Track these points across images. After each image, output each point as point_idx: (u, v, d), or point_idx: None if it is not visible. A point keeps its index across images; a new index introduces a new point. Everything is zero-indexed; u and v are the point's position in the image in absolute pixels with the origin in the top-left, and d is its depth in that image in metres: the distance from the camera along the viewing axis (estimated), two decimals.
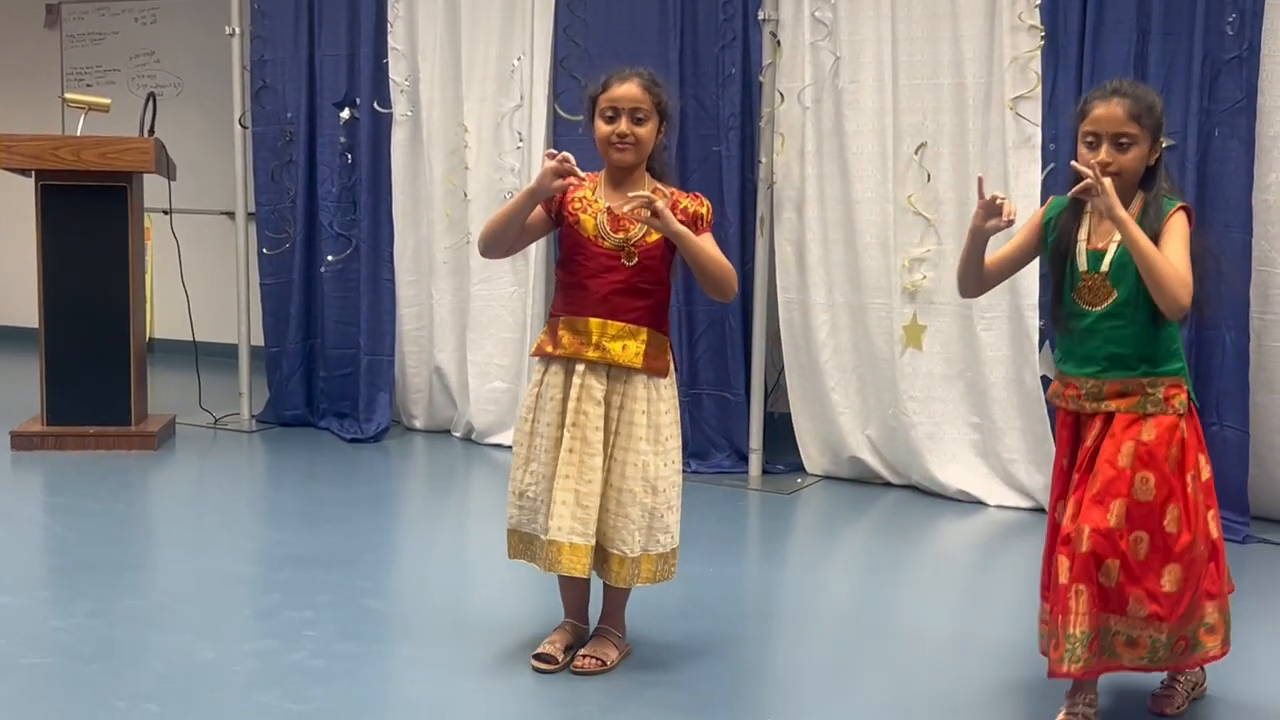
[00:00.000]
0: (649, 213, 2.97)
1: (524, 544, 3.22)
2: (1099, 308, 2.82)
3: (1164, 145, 2.86)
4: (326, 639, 3.38)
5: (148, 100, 5.93)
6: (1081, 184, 2.71)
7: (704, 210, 3.20)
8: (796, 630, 3.66)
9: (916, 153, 4.93)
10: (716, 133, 5.38)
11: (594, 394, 3.09)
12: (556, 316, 3.18)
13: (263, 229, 6.32)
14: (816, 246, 5.25)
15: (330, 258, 6.21)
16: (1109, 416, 2.80)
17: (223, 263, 6.84)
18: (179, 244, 6.42)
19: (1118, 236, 2.75)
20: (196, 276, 6.54)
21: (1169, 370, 2.82)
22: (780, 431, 5.58)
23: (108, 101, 5.89)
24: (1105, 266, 2.81)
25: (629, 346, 3.10)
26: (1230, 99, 4.52)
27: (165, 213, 6.16)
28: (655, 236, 3.10)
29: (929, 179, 4.96)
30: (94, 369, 5.66)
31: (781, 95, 5.22)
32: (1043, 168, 4.78)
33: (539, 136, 5.68)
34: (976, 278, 3.02)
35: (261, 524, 4.71)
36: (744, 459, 5.42)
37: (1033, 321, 4.80)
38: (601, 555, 3.16)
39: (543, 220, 3.19)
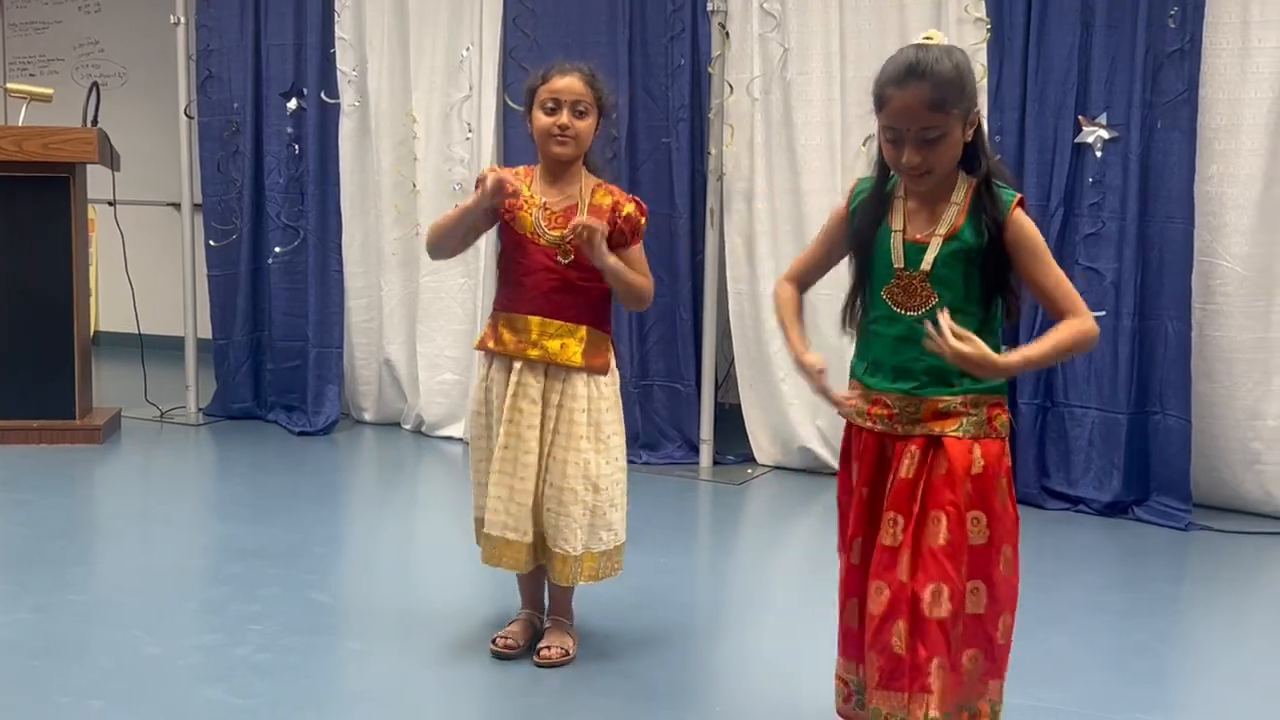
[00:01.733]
0: (586, 237, 2.95)
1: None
2: (916, 312, 2.34)
3: (980, 116, 2.35)
4: (273, 633, 3.36)
5: (91, 90, 5.86)
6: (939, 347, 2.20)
7: (641, 216, 3.16)
8: (746, 621, 3.68)
9: (865, 144, 4.95)
10: (666, 124, 5.38)
11: (530, 392, 3.08)
12: (498, 312, 3.17)
13: (209, 220, 6.28)
14: (766, 238, 5.27)
15: (278, 249, 6.17)
16: (928, 440, 2.35)
17: (168, 255, 6.79)
18: (123, 236, 6.33)
19: (943, 230, 2.33)
20: (142, 268, 6.49)
21: (991, 387, 2.37)
22: (731, 422, 5.61)
23: (50, 91, 5.82)
24: (927, 265, 2.33)
25: (568, 345, 3.08)
26: (1173, 91, 4.58)
27: (110, 204, 6.10)
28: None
29: None
30: (37, 362, 5.60)
31: (730, 87, 5.24)
32: None
33: (489, 127, 5.67)
34: (799, 304, 2.62)
35: (208, 517, 4.67)
36: (695, 450, 5.44)
37: None
38: (546, 553, 3.17)
39: (485, 217, 3.17)
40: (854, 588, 2.44)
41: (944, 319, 2.20)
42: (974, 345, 2.19)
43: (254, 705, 2.90)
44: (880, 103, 2.28)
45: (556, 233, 3.07)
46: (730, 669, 3.29)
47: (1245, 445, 4.72)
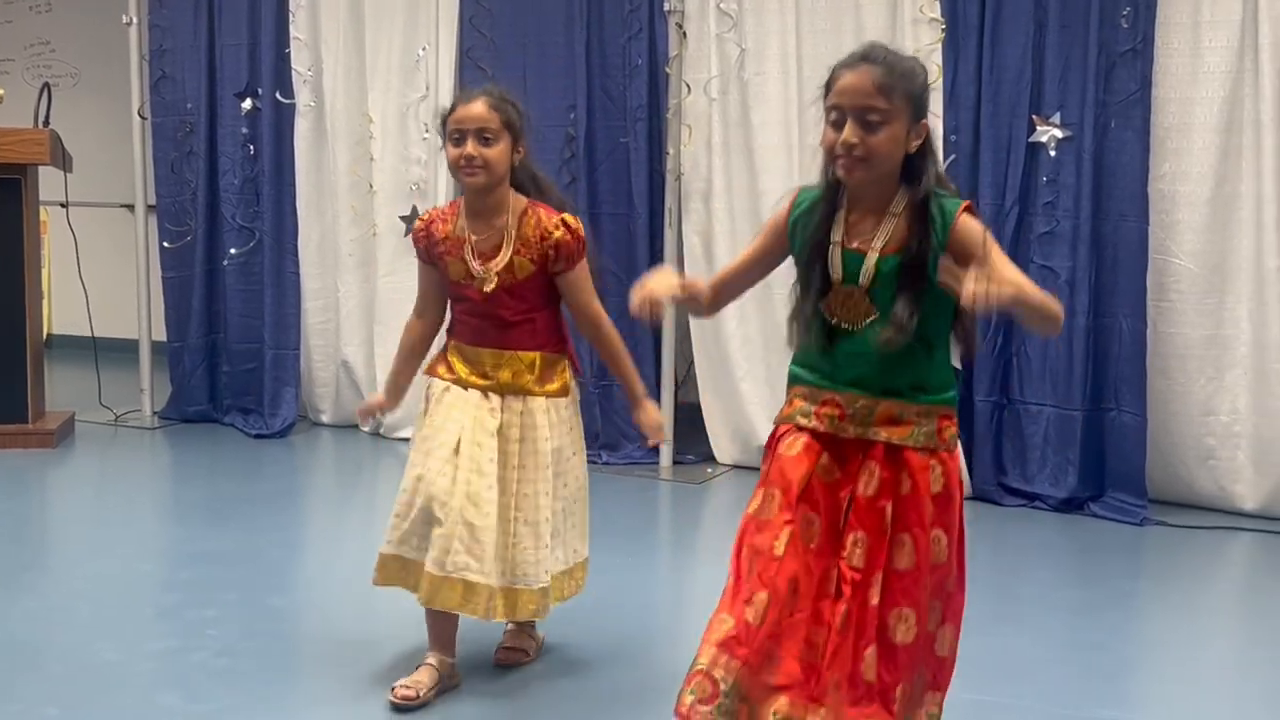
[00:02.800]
0: None
1: None
2: (855, 326, 2.24)
3: (928, 127, 2.22)
4: (230, 638, 3.33)
5: (42, 91, 5.80)
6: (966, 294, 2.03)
7: (572, 240, 3.00)
8: (705, 612, 3.68)
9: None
10: (624, 124, 5.38)
11: (488, 425, 2.98)
12: (449, 340, 3.10)
13: (163, 222, 6.22)
14: (724, 237, 5.28)
15: (233, 250, 6.12)
16: (887, 453, 2.24)
17: (122, 256, 6.71)
18: (76, 238, 6.27)
19: (880, 243, 2.21)
20: (95, 271, 6.42)
21: (944, 399, 2.28)
22: (691, 422, 5.61)
23: (1, 92, 5.75)
24: (865, 279, 2.21)
25: (521, 375, 3.01)
26: (1125, 90, 4.62)
27: (62, 205, 6.03)
28: (523, 274, 2.97)
29: None
30: None
31: (688, 87, 5.24)
32: (944, 158, 4.85)
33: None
34: (708, 305, 2.47)
35: (164, 522, 4.63)
36: (655, 449, 5.44)
37: None
38: (504, 594, 2.99)
39: (432, 272, 3.10)
40: (769, 580, 2.22)
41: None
42: (994, 287, 2.02)
43: (210, 711, 2.88)
44: (829, 85, 2.19)
45: (482, 268, 2.97)
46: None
47: (1199, 441, 4.77)
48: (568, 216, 3.03)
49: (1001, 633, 3.48)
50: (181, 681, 3.04)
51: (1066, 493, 4.80)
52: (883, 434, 2.24)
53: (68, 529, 4.56)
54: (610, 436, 5.51)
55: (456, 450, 2.96)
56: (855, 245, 2.23)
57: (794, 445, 2.29)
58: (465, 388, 3.03)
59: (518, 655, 3.20)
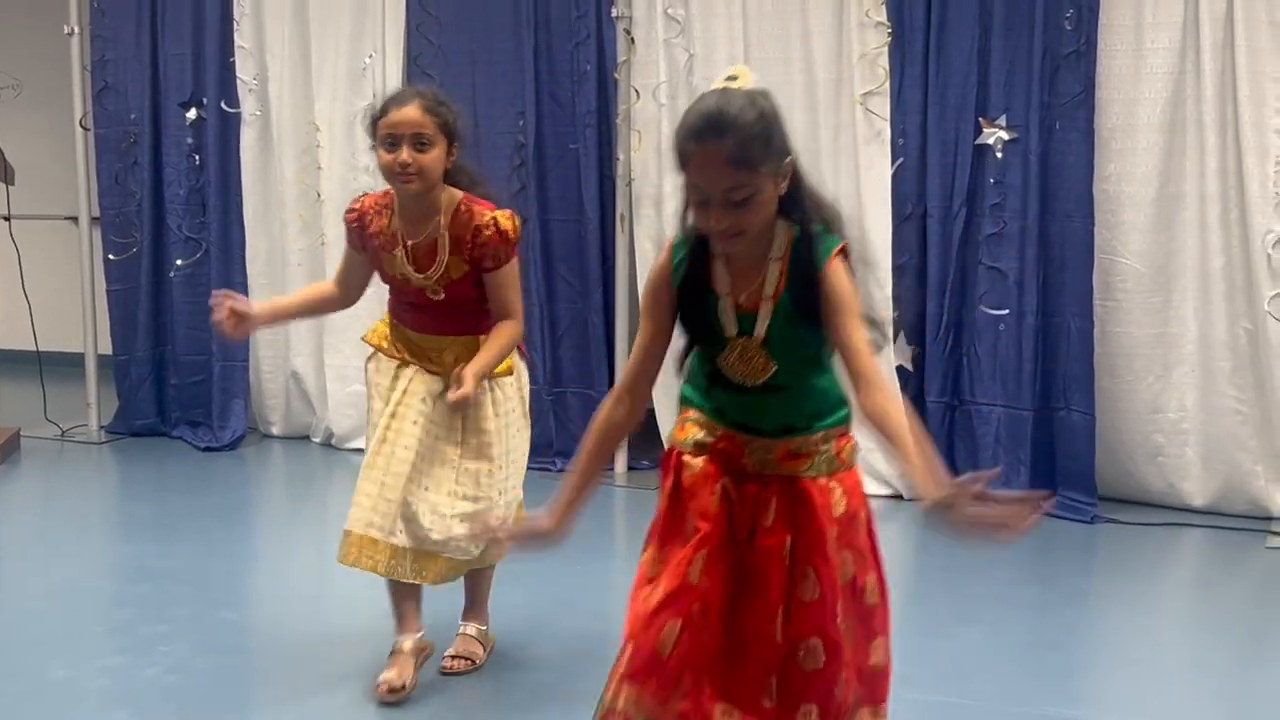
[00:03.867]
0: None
1: None
2: (756, 381, 2.11)
3: (792, 165, 2.06)
4: (181, 654, 3.30)
5: None
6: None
7: (498, 239, 2.96)
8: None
9: None
10: (573, 130, 5.38)
11: (416, 389, 3.01)
12: (392, 319, 3.10)
13: (108, 233, 6.16)
14: None
15: (179, 262, 6.07)
16: (781, 485, 2.15)
17: (66, 269, 6.62)
18: (19, 251, 6.20)
19: (770, 290, 2.07)
20: (39, 284, 6.33)
21: (840, 418, 2.18)
22: (644, 428, 5.60)
23: None
24: (760, 332, 2.08)
25: (461, 357, 2.99)
26: (1070, 92, 4.67)
27: (4, 219, 5.97)
28: (459, 273, 2.95)
29: None
30: None
31: (637, 92, 5.25)
32: (892, 161, 4.88)
33: None
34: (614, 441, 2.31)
35: (113, 537, 4.58)
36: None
37: (887, 314, 4.90)
38: (433, 560, 3.07)
39: (362, 260, 3.06)
40: (681, 608, 2.13)
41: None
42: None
43: None
44: (682, 160, 2.00)
45: (422, 275, 2.95)
46: None
47: (1147, 438, 4.82)
48: (500, 215, 2.98)
49: (958, 632, 3.50)
50: (133, 699, 3.01)
51: (1018, 491, 4.83)
52: (785, 469, 2.15)
53: (14, 547, 4.49)
54: (565, 443, 5.49)
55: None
56: (743, 300, 2.10)
57: (694, 467, 2.20)
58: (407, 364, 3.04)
59: (464, 664, 3.19)
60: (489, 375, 2.99)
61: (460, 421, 3.02)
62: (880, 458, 5.01)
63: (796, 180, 2.07)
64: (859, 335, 2.05)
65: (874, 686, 2.27)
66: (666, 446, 2.26)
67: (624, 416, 2.22)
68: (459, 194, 2.99)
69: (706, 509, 2.16)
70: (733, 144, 1.94)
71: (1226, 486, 4.74)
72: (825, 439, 2.16)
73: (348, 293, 3.14)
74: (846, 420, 2.19)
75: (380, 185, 3.11)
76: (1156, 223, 4.69)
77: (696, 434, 2.21)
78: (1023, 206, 4.76)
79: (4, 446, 5.60)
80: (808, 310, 2.07)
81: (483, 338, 3.03)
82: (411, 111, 2.87)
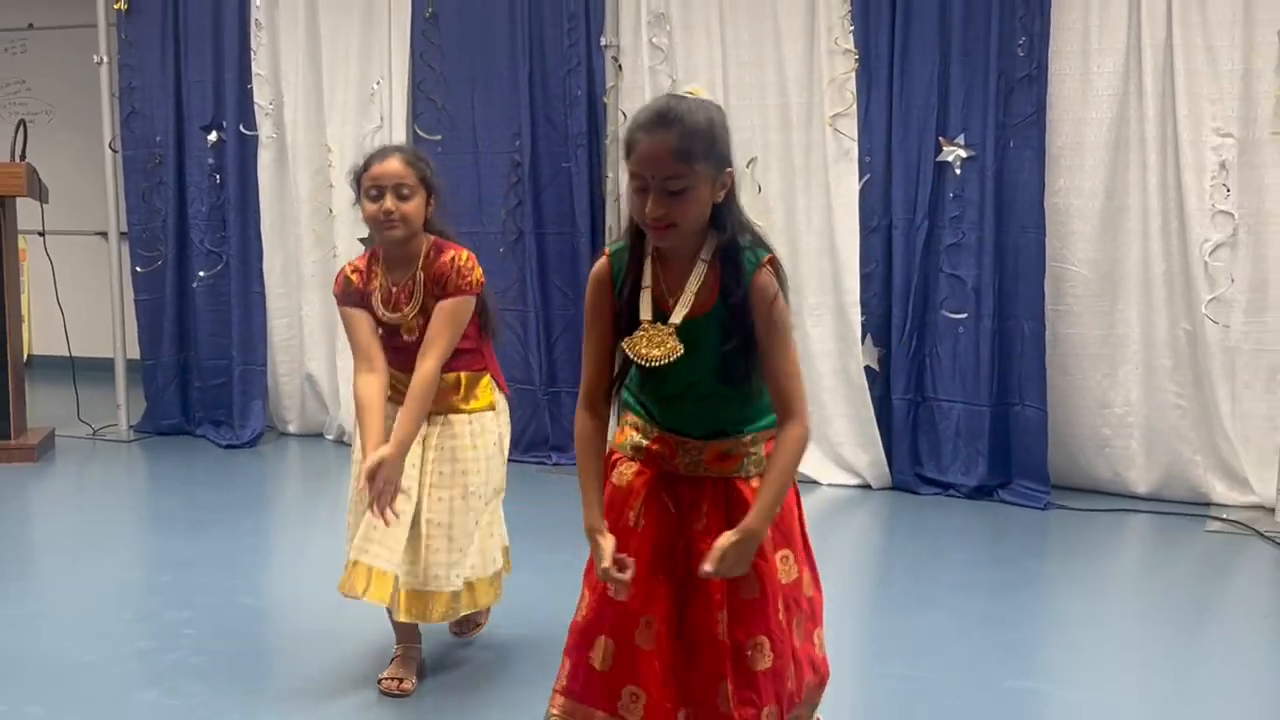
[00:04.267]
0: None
1: None
2: (659, 362, 2.04)
3: (732, 175, 2.05)
4: (205, 637, 3.27)
5: (18, 127, 5.68)
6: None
7: (453, 273, 2.87)
8: None
9: (748, 166, 4.97)
10: (566, 150, 5.36)
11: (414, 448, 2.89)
12: (391, 372, 2.96)
13: (135, 247, 6.13)
14: None
15: (202, 273, 6.04)
16: (713, 489, 2.13)
17: (97, 281, 6.59)
18: (53, 264, 6.16)
19: (694, 286, 2.04)
20: (72, 294, 6.30)
21: (767, 424, 2.13)
22: None
23: None
24: (676, 319, 2.04)
25: (447, 395, 2.93)
26: (1023, 113, 4.67)
27: (39, 234, 5.92)
28: (432, 309, 2.87)
29: (759, 190, 5.00)
30: None
31: (624, 115, 5.22)
32: (860, 178, 4.87)
33: None
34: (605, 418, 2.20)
35: (141, 530, 4.55)
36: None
37: (855, 316, 4.90)
38: (415, 595, 2.91)
39: (364, 315, 2.95)
40: (609, 625, 2.12)
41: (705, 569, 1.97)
42: (728, 555, 1.96)
43: (189, 705, 2.83)
44: (629, 149, 2.00)
45: (397, 315, 2.90)
46: None
47: (1096, 431, 4.82)
48: (462, 254, 2.91)
49: (921, 612, 3.49)
50: (160, 679, 2.99)
51: (977, 481, 4.83)
52: (714, 470, 2.13)
53: (49, 539, 4.46)
54: (560, 439, 5.48)
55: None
56: (663, 289, 2.07)
57: (625, 474, 2.18)
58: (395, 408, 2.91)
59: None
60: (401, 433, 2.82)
61: (433, 455, 2.93)
62: (849, 449, 5.02)
63: (731, 196, 2.05)
64: (787, 360, 2.05)
65: (821, 673, 2.25)
66: (607, 449, 2.21)
67: (595, 427, 2.17)
68: (432, 237, 2.95)
69: (630, 519, 2.15)
70: (676, 136, 1.95)
71: (1168, 475, 4.74)
72: (754, 441, 2.14)
73: (375, 360, 2.94)
74: (774, 425, 2.11)
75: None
76: (1103, 233, 4.70)
77: (634, 437, 2.19)
78: (980, 219, 4.75)
79: (40, 445, 5.56)
80: (738, 317, 2.03)
81: (463, 375, 2.96)
82: (394, 164, 2.85)
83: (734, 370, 2.06)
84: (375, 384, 2.89)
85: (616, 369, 2.16)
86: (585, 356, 2.18)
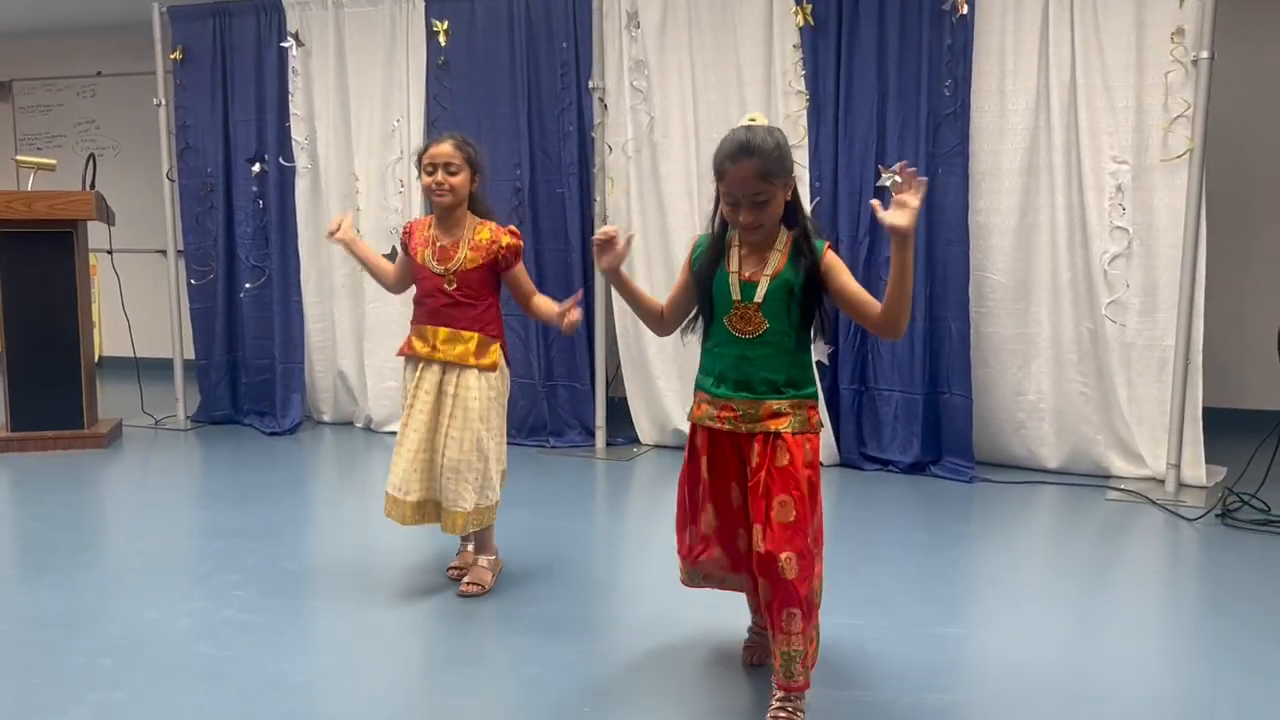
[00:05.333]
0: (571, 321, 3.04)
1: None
2: (750, 336, 2.35)
3: (795, 181, 2.35)
4: (252, 597, 3.27)
5: (89, 160, 5.66)
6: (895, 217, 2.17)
7: (516, 245, 3.20)
8: (636, 567, 3.67)
9: (716, 189, 4.96)
10: (559, 177, 5.36)
11: (425, 385, 3.15)
12: (412, 325, 3.22)
13: (190, 263, 6.10)
14: (641, 266, 5.27)
15: (248, 285, 6.01)
16: (766, 437, 2.35)
17: (158, 292, 6.57)
18: (120, 278, 6.15)
19: (769, 270, 2.33)
20: (136, 304, 6.28)
21: (810, 393, 2.39)
22: (619, 412, 5.60)
23: (54, 162, 5.59)
24: (759, 298, 2.33)
25: (458, 348, 3.13)
26: (949, 144, 4.68)
27: (108, 252, 5.92)
28: (472, 264, 3.13)
29: None
30: (51, 383, 5.39)
31: (610, 147, 5.23)
32: (811, 200, 4.88)
33: (416, 183, 5.55)
34: (652, 318, 2.58)
35: (196, 506, 4.53)
36: (591, 435, 5.42)
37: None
38: (437, 511, 3.21)
39: (406, 260, 3.26)
40: (706, 500, 2.51)
41: (892, 175, 2.28)
42: (911, 215, 2.17)
43: (237, 656, 2.83)
44: (720, 174, 2.28)
45: (442, 265, 3.14)
46: (625, 605, 3.28)
47: (1012, 415, 4.84)
48: (512, 229, 3.22)
49: (865, 570, 3.50)
50: (212, 635, 2.98)
51: (912, 458, 4.85)
52: (770, 426, 2.35)
53: (117, 514, 4.44)
54: (556, 425, 5.48)
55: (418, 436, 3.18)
56: (748, 275, 2.35)
57: (699, 438, 2.50)
58: (420, 362, 3.17)
59: (476, 588, 3.26)
60: (553, 315, 3.12)
61: (453, 404, 3.13)
62: (826, 433, 5.01)
63: (795, 195, 2.35)
64: (855, 284, 2.36)
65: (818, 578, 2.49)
66: (689, 422, 2.51)
67: (658, 319, 2.57)
68: (479, 219, 3.21)
69: (705, 474, 2.48)
70: (759, 162, 2.23)
71: (1074, 452, 4.76)
72: (798, 405, 2.36)
73: (396, 283, 3.35)
74: (814, 397, 2.40)
75: (408, 219, 3.15)
76: (1017, 245, 4.71)
77: (707, 410, 2.43)
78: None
79: (110, 433, 5.54)
80: (804, 288, 2.33)
81: (478, 336, 3.16)
82: (445, 147, 3.13)
83: (789, 325, 2.35)
84: (389, 267, 3.34)
85: (696, 328, 2.50)
86: (673, 293, 2.54)
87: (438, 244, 3.16)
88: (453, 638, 2.97)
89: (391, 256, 3.57)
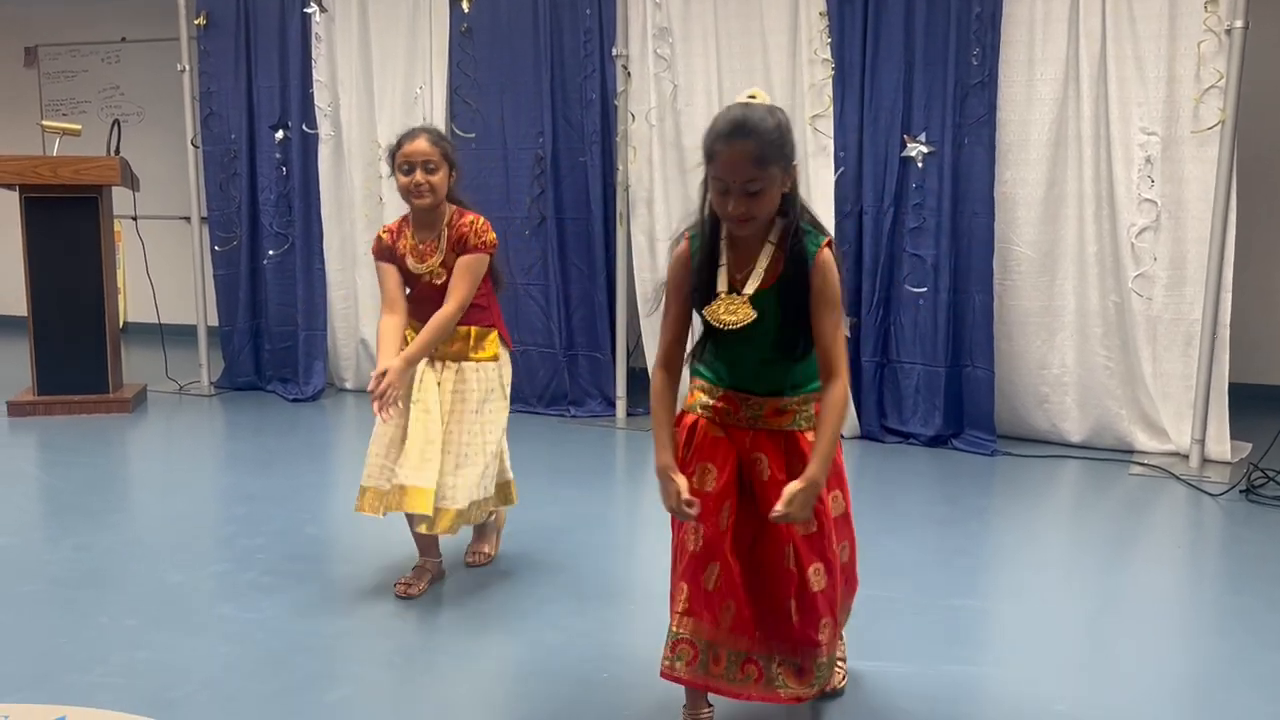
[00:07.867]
0: None
1: None
2: (735, 328, 2.05)
3: (797, 170, 2.06)
4: (274, 560, 3.30)
5: (113, 126, 5.67)
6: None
7: (471, 235, 2.94)
8: (654, 534, 3.68)
9: None
10: (582, 146, 5.34)
11: (424, 379, 2.97)
12: (410, 323, 3.01)
13: (214, 230, 6.12)
14: (663, 235, 5.25)
15: (271, 252, 6.03)
16: (770, 440, 2.13)
17: (182, 258, 6.60)
18: (144, 244, 6.18)
19: (763, 265, 2.05)
20: (160, 270, 6.32)
21: (815, 388, 2.12)
22: (640, 382, 5.58)
23: (79, 127, 5.62)
24: (749, 290, 2.05)
25: (455, 345, 3.00)
26: (976, 115, 4.63)
27: (132, 218, 5.94)
28: (451, 263, 2.95)
29: None
30: (77, 348, 5.44)
31: (633, 116, 5.20)
32: (835, 170, 4.85)
33: None
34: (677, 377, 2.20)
35: (220, 470, 4.57)
36: (612, 405, 5.42)
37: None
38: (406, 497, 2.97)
39: (393, 269, 3.01)
40: (718, 552, 2.11)
41: (777, 512, 1.96)
42: (795, 499, 1.96)
43: (260, 618, 2.86)
44: (710, 156, 1.96)
45: (424, 265, 2.96)
46: (644, 569, 3.29)
47: (1035, 389, 4.81)
48: (479, 220, 2.99)
49: (885, 542, 3.50)
50: (236, 596, 3.01)
51: (933, 431, 4.84)
52: (772, 424, 2.12)
53: (142, 477, 4.49)
54: (576, 395, 5.49)
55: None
56: (736, 269, 2.07)
57: (706, 430, 2.17)
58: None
59: (484, 558, 3.27)
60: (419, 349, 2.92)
61: (450, 397, 2.99)
62: None
63: (794, 186, 2.05)
64: (834, 327, 2.04)
65: (853, 585, 2.36)
66: (679, 410, 2.21)
67: (669, 382, 2.17)
68: (453, 207, 3.02)
69: (716, 461, 2.14)
70: (754, 145, 1.92)
71: (1098, 426, 4.74)
72: (805, 401, 2.13)
73: (397, 305, 3.01)
74: (818, 389, 2.12)
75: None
76: (1044, 218, 4.67)
77: (702, 398, 2.18)
78: (938, 206, 4.73)
79: (134, 398, 5.58)
80: (797, 293, 2.04)
81: (473, 329, 3.01)
82: (421, 144, 2.92)
83: (790, 340, 2.07)
84: (395, 322, 2.97)
85: (696, 338, 2.16)
86: (665, 324, 2.16)
87: (418, 247, 2.98)
88: (473, 602, 2.99)
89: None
